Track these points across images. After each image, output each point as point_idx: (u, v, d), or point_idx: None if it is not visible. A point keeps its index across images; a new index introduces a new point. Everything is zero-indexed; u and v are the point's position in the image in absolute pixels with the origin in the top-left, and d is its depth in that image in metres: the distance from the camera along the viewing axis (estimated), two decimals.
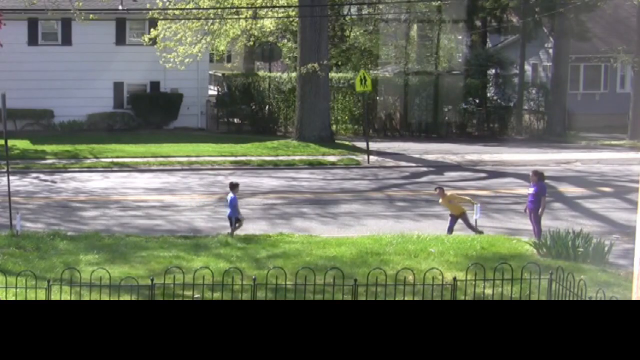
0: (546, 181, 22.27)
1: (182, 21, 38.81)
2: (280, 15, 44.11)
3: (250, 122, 44.40)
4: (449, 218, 21.51)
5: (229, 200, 21.22)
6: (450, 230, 21.28)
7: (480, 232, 21.16)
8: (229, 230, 20.96)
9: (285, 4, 42.03)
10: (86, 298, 14.15)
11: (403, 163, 35.34)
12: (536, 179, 21.19)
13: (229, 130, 43.92)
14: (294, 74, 43.54)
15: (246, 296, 13.23)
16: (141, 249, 18.97)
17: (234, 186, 21.53)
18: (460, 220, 21.38)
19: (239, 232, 21.00)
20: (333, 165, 34.29)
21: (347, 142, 40.05)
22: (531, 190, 21.22)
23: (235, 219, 20.98)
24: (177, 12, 38.75)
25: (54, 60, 42.00)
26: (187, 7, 38.52)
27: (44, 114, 42.09)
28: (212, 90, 49.62)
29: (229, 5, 39.95)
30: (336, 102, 44.05)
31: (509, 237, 21.04)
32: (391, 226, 22.57)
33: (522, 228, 22.13)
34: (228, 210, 21.18)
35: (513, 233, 21.76)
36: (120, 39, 42.93)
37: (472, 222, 21.39)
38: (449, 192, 22.14)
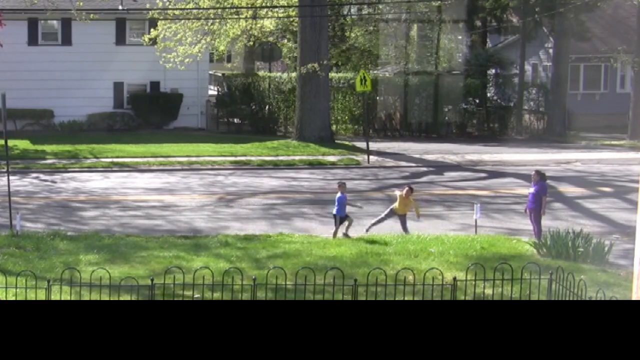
0: (547, 181, 22.26)
1: (182, 21, 38.81)
2: (280, 15, 44.13)
3: (250, 122, 44.41)
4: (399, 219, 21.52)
5: (336, 199, 21.10)
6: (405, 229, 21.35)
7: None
8: (335, 229, 20.96)
9: (285, 4, 42.02)
10: (86, 298, 14.14)
11: (403, 163, 35.34)
12: (538, 179, 21.18)
13: (229, 130, 43.93)
14: (294, 74, 43.54)
15: (246, 296, 13.23)
16: (141, 249, 18.97)
17: (341, 185, 21.55)
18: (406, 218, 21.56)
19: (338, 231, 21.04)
20: (333, 165, 34.29)
21: (347, 142, 40.06)
22: (532, 189, 21.22)
23: (342, 218, 20.90)
24: (177, 12, 38.75)
25: (54, 60, 42.01)
26: (187, 7, 38.52)
27: (44, 114, 42.09)
28: (212, 90, 49.62)
29: (229, 5, 39.95)
30: (336, 102, 44.05)
31: (509, 237, 21.04)
32: (391, 226, 22.56)
33: (522, 228, 22.13)
34: (335, 208, 21.05)
35: (513, 233, 21.76)
36: (120, 39, 42.93)
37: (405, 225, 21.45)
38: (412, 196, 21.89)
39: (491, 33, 52.83)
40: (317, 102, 39.22)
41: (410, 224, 21.96)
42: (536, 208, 20.88)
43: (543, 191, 20.99)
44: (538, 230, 20.71)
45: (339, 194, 21.19)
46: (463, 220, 23.75)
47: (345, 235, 20.93)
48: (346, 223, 21.01)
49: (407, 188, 21.93)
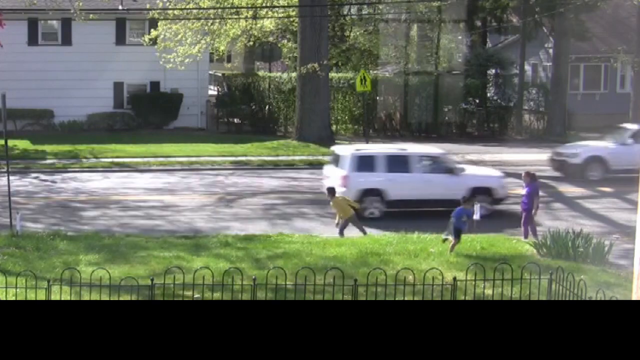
0: (547, 181, 22.31)
1: (183, 21, 38.79)
2: (280, 15, 44.11)
3: (250, 122, 44.40)
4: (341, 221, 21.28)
5: (455, 211, 19.42)
6: (341, 232, 21.08)
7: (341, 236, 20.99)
8: (451, 239, 19.27)
9: (285, 4, 42.02)
10: (86, 298, 14.14)
11: None
12: (529, 180, 21.29)
13: (229, 130, 43.92)
14: (294, 74, 43.54)
15: (246, 296, 13.22)
16: (141, 249, 18.97)
17: (467, 200, 20.12)
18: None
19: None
20: None
21: (347, 142, 40.02)
22: (524, 191, 21.29)
23: (459, 231, 19.16)
24: (177, 12, 38.73)
25: (54, 60, 41.99)
26: (188, 7, 38.50)
27: (44, 114, 42.08)
28: (212, 90, 49.60)
29: (229, 6, 39.94)
30: (336, 102, 44.04)
31: (509, 237, 21.04)
32: (390, 226, 22.56)
33: (521, 228, 22.09)
34: (452, 219, 19.33)
35: (513, 233, 21.75)
36: (120, 39, 42.92)
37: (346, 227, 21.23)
38: (338, 197, 21.64)
39: (491, 33, 52.80)
40: (317, 102, 39.21)
41: (410, 223, 21.92)
42: (529, 209, 20.98)
43: (535, 192, 21.13)
44: (528, 230, 20.93)
45: (461, 207, 19.62)
46: None
47: (451, 246, 19.10)
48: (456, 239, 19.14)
49: (327, 191, 21.76)
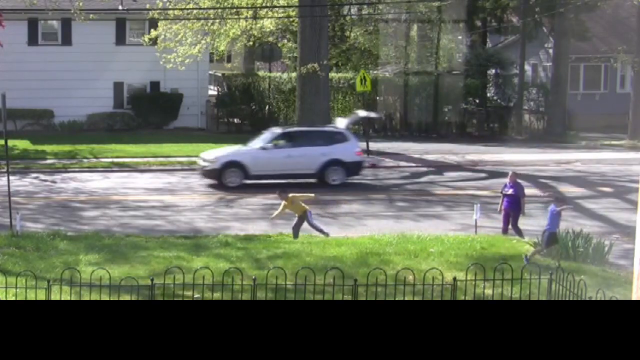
0: (546, 181, 22.29)
1: (183, 22, 38.78)
2: (280, 15, 44.10)
3: (250, 122, 44.40)
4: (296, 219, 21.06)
5: (549, 212, 18.89)
6: (296, 231, 20.84)
7: (326, 234, 20.84)
8: (539, 248, 18.85)
9: (285, 4, 42.01)
10: (86, 298, 14.14)
11: (403, 163, 35.33)
12: (515, 179, 21.29)
13: (229, 130, 43.92)
14: (294, 74, 43.54)
15: (246, 296, 13.22)
16: (141, 249, 18.97)
17: (559, 200, 19.47)
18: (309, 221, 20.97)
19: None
20: None
21: None
22: (510, 191, 21.16)
23: (552, 235, 18.53)
24: (177, 12, 38.72)
25: (54, 60, 41.99)
26: (188, 7, 38.49)
27: (44, 114, 42.09)
28: (212, 90, 49.61)
29: (229, 6, 39.93)
30: (336, 102, 44.04)
31: (509, 237, 21.04)
32: (391, 226, 22.57)
33: (523, 228, 22.09)
34: (546, 223, 18.80)
35: (513, 233, 21.74)
36: (120, 39, 42.92)
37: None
38: (290, 195, 21.41)
39: (491, 33, 52.79)
40: (317, 102, 39.17)
41: (411, 223, 21.90)
42: (515, 209, 20.93)
43: (522, 193, 21.11)
44: (503, 229, 20.94)
45: (552, 206, 18.97)
46: (463, 220, 23.75)
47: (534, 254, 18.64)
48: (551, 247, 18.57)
49: (278, 193, 21.50)
